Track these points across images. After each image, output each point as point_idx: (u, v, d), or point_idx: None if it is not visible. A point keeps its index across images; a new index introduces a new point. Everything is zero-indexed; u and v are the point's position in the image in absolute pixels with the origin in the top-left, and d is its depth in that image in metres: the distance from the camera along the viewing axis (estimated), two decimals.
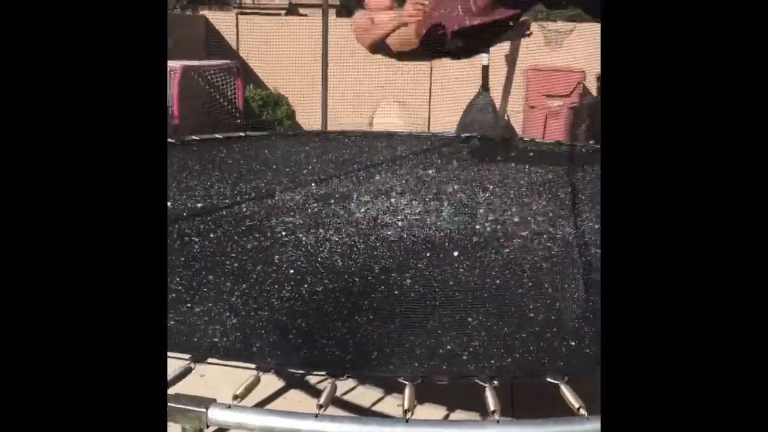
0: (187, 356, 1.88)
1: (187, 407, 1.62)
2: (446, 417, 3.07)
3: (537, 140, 6.15)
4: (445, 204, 3.54)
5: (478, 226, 3.17)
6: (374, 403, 3.30)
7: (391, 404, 3.25)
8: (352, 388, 3.30)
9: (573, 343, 2.06)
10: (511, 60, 9.86)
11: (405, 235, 3.01)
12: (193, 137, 5.20)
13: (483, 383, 1.79)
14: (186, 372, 1.84)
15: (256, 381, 1.80)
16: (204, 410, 1.61)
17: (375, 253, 2.80)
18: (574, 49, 9.56)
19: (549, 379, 1.82)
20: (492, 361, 1.99)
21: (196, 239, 2.93)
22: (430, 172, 4.21)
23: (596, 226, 3.14)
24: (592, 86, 9.42)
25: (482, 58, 8.75)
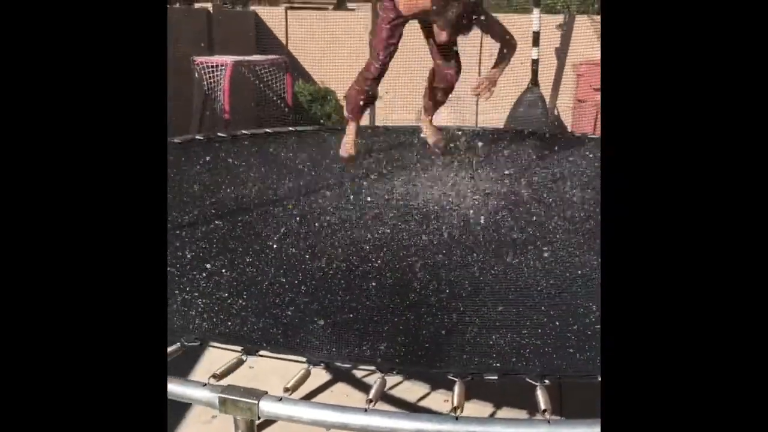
0: (238, 348, 1.91)
1: (239, 398, 1.65)
2: (493, 415, 3.06)
3: (588, 135, 6.05)
4: (495, 200, 3.52)
5: (527, 223, 3.14)
6: (420, 399, 3.30)
7: (437, 400, 3.25)
8: (398, 383, 3.31)
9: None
10: (561, 54, 9.73)
11: (454, 231, 3.00)
12: (244, 132, 5.28)
13: (534, 382, 1.77)
14: (238, 364, 1.87)
15: (307, 374, 1.82)
16: (256, 402, 1.63)
17: (425, 248, 2.79)
18: None
19: (599, 379, 1.79)
20: (543, 360, 1.97)
21: (247, 232, 2.97)
22: (480, 167, 4.18)
23: None
24: None
25: (531, 53, 8.65)
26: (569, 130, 9.18)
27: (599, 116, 8.97)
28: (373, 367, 1.91)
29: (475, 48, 9.29)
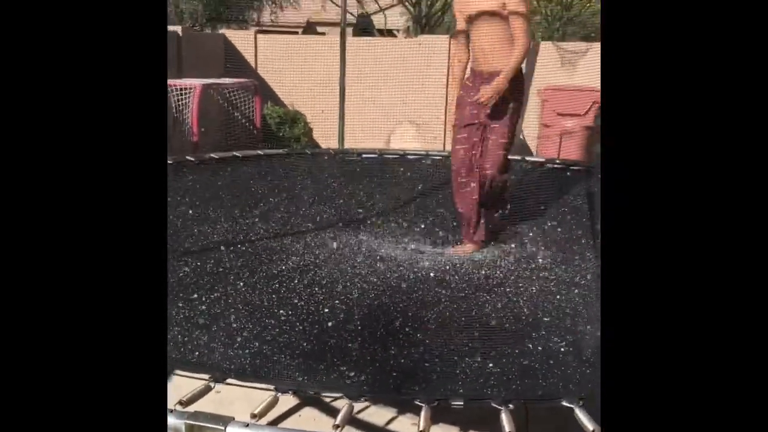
0: (206, 376, 1.91)
1: (206, 424, 1.65)
2: None
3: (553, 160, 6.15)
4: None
5: (496, 252, 3.19)
6: (387, 423, 3.29)
7: (404, 425, 3.25)
8: (366, 407, 3.31)
9: (588, 370, 2.07)
10: (526, 80, 9.90)
11: (422, 262, 3.03)
12: (212, 155, 5.26)
13: (498, 406, 1.80)
14: (205, 390, 1.87)
15: (275, 401, 1.83)
16: (223, 428, 1.63)
17: (393, 278, 2.82)
18: (590, 69, 9.58)
19: (564, 403, 1.83)
20: (507, 385, 2.00)
21: (215, 260, 2.97)
22: (445, 194, 4.23)
23: None
24: None
25: None
26: (534, 154, 9.33)
27: (563, 141, 9.14)
28: (340, 394, 1.92)
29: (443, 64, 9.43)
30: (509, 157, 3.75)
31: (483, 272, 3.08)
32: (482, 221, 3.80)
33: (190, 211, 3.67)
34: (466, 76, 3.83)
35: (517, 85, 3.70)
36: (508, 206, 3.96)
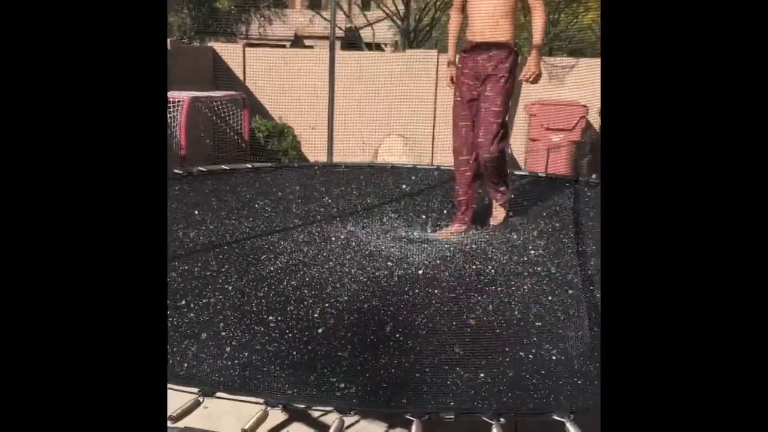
0: (195, 390, 1.89)
1: None
2: None
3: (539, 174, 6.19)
4: (452, 241, 3.56)
5: (485, 264, 3.19)
6: None
7: None
8: (356, 422, 3.29)
9: (579, 381, 2.07)
10: (514, 94, 9.98)
11: (412, 272, 3.02)
12: (200, 168, 5.25)
13: (490, 420, 1.80)
14: (194, 406, 1.85)
15: (265, 415, 1.82)
16: None
17: (383, 289, 2.81)
18: (577, 84, 9.66)
19: (555, 416, 1.83)
20: (498, 398, 2.00)
21: (203, 272, 2.95)
22: (436, 206, 4.24)
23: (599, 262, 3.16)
24: (595, 121, 9.50)
25: None
26: (522, 168, 9.38)
27: (551, 155, 9.20)
28: (330, 408, 1.91)
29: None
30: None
31: (474, 267, 3.09)
32: (473, 206, 3.91)
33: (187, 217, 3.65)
34: (463, 47, 3.85)
35: (515, 56, 3.78)
36: (509, 180, 4.00)
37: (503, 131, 3.73)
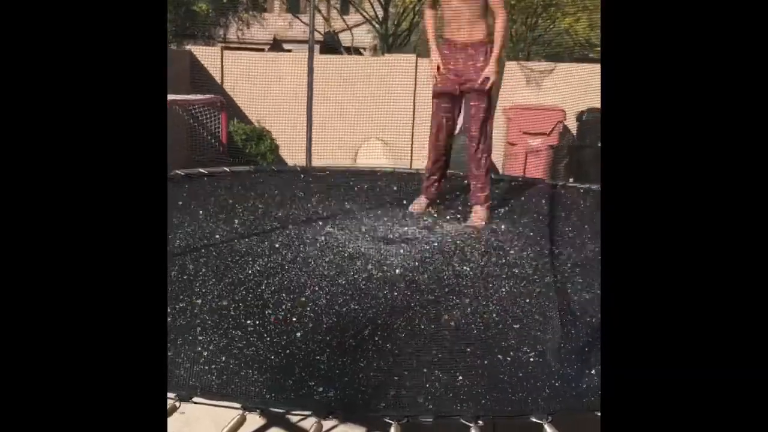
0: (172, 395, 1.87)
1: None
2: None
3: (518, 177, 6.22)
4: (430, 244, 3.56)
5: (462, 267, 3.19)
6: None
7: None
8: (334, 426, 3.28)
9: (557, 383, 2.08)
10: (492, 99, 10.04)
11: (390, 275, 3.02)
12: (178, 172, 5.20)
13: (468, 423, 1.80)
14: (171, 411, 1.83)
15: (242, 420, 1.80)
16: None
17: (360, 292, 2.80)
18: (555, 89, 9.75)
19: (533, 418, 1.84)
20: (477, 401, 2.00)
21: (180, 276, 2.92)
22: (414, 210, 4.24)
23: (576, 267, 3.18)
24: (573, 125, 9.59)
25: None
26: (500, 171, 9.43)
27: (528, 159, 9.26)
28: (309, 412, 1.90)
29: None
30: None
31: (452, 269, 3.10)
32: (441, 181, 4.33)
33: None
34: (441, 44, 4.06)
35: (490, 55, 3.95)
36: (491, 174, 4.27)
37: (491, 126, 4.14)
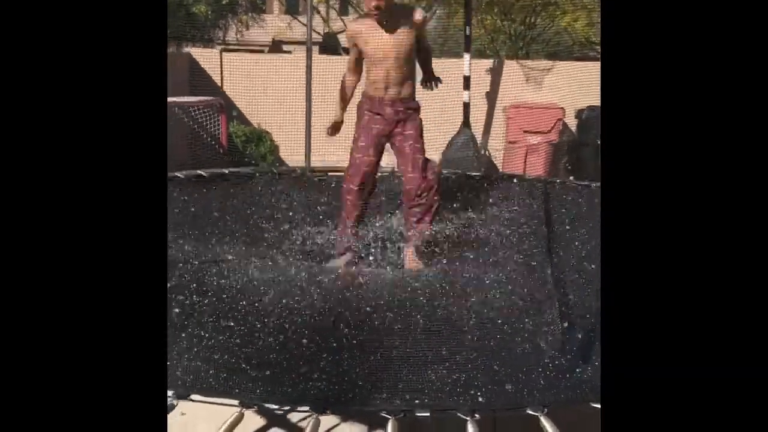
0: (169, 393, 1.88)
1: None
2: None
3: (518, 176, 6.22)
4: (427, 240, 3.57)
5: (459, 262, 3.20)
6: None
7: None
8: (335, 425, 3.29)
9: (552, 375, 2.10)
10: (491, 97, 10.04)
11: (387, 271, 3.03)
12: (177, 174, 5.20)
13: (465, 417, 1.81)
14: (169, 409, 1.84)
15: (240, 417, 1.81)
16: None
17: (357, 289, 2.82)
18: (554, 87, 9.74)
19: (529, 411, 1.85)
20: (474, 394, 2.01)
21: (178, 277, 2.93)
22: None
23: (572, 262, 3.19)
24: (572, 123, 9.58)
25: (463, 96, 8.89)
26: (500, 170, 9.43)
27: (528, 157, 9.26)
28: (306, 408, 1.91)
29: None
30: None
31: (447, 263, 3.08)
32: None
33: None
34: (361, 101, 3.96)
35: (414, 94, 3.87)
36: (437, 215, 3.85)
37: (427, 162, 3.84)
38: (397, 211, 3.97)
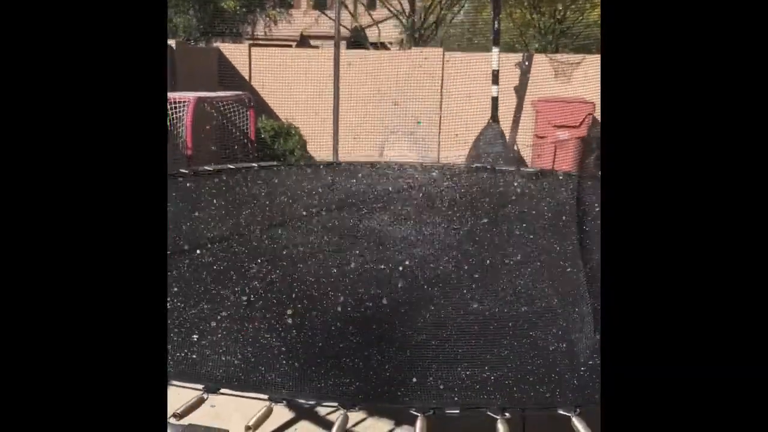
0: (200, 386, 1.89)
1: None
2: None
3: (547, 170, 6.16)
4: (456, 237, 3.55)
5: (488, 260, 3.17)
6: None
7: None
8: (362, 420, 3.29)
9: (585, 375, 2.06)
10: (520, 91, 9.96)
11: (417, 267, 3.01)
12: (206, 168, 5.24)
13: (494, 415, 1.79)
14: (199, 402, 1.85)
15: (269, 412, 1.81)
16: None
17: (387, 285, 2.80)
18: (584, 81, 9.64)
19: (561, 411, 1.82)
20: (504, 393, 1.99)
21: (208, 270, 2.95)
22: (442, 205, 4.22)
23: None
24: None
25: (491, 90, 8.83)
26: (529, 165, 9.36)
27: (557, 152, 9.17)
28: (335, 404, 1.90)
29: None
30: None
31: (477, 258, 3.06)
32: None
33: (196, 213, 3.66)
34: None
35: None
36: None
37: None
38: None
